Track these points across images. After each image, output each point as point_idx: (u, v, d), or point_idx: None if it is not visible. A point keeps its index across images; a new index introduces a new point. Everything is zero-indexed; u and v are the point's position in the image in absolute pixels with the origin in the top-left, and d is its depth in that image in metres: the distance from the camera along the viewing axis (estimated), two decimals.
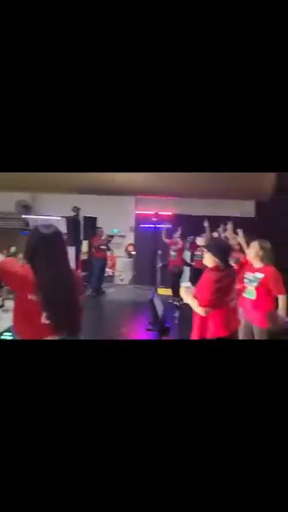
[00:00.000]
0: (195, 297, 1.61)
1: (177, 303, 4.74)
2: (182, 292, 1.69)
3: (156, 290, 4.79)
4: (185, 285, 1.72)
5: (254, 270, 2.11)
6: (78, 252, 5.49)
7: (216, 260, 1.60)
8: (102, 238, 5.15)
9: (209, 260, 1.64)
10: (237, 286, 1.87)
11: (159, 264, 5.37)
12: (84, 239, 5.48)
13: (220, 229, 3.50)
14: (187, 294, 1.64)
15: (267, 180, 4.78)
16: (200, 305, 1.55)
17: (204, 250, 1.71)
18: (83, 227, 5.45)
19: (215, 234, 4.09)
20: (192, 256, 4.75)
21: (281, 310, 1.95)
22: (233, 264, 1.78)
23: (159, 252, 5.64)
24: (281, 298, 1.97)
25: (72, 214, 5.29)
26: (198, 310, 1.57)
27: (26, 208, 6.48)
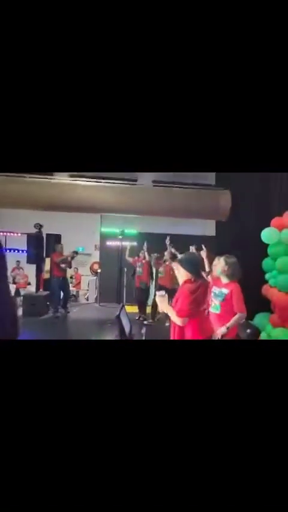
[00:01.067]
0: (172, 307, 1.67)
1: (144, 321, 4.72)
2: (158, 300, 1.74)
3: (122, 307, 4.71)
4: (159, 293, 1.74)
5: (220, 285, 2.21)
6: (40, 270, 5.25)
7: (188, 273, 1.69)
8: (64, 254, 4.98)
9: (181, 274, 1.72)
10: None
11: (130, 274, 5.28)
12: (47, 257, 5.27)
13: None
14: (162, 302, 1.70)
15: (224, 200, 5.16)
16: (178, 316, 1.62)
17: (177, 264, 1.77)
18: (46, 244, 5.27)
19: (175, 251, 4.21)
20: (157, 273, 4.82)
21: (229, 323, 2.04)
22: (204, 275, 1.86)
23: (125, 269, 5.63)
24: (238, 315, 2.08)
25: (34, 231, 5.09)
26: (176, 320, 1.64)
27: None
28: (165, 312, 1.75)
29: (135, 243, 5.61)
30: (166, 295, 1.72)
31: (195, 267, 1.71)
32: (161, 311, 1.87)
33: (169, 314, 1.70)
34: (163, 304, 1.69)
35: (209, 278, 2.24)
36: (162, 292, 1.73)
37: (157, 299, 1.74)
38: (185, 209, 5.26)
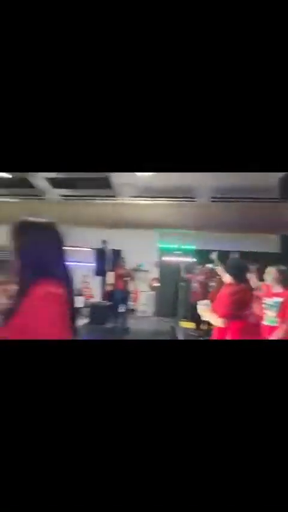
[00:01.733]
0: (213, 311, 1.71)
1: (191, 332, 4.62)
2: (200, 310, 1.77)
3: (177, 322, 4.74)
4: (202, 303, 1.79)
5: (273, 295, 2.10)
6: (104, 282, 5.72)
7: (231, 277, 1.75)
8: (127, 268, 5.28)
9: (226, 278, 1.80)
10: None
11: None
12: (111, 270, 5.71)
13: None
14: (205, 310, 1.74)
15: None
16: (219, 316, 1.65)
17: (222, 270, 1.84)
18: (110, 259, 5.73)
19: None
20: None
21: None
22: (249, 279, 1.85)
23: (182, 284, 5.68)
24: None
25: (101, 246, 5.63)
26: (218, 322, 1.67)
27: None
28: (207, 319, 1.79)
29: (192, 259, 5.66)
30: (209, 305, 1.76)
31: (238, 271, 1.76)
32: (204, 319, 1.91)
33: (210, 320, 1.73)
34: (206, 313, 1.73)
35: (260, 290, 2.19)
36: (206, 302, 1.78)
37: (199, 308, 1.76)
38: (246, 224, 5.12)
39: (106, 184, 5.40)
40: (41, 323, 0.75)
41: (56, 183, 5.56)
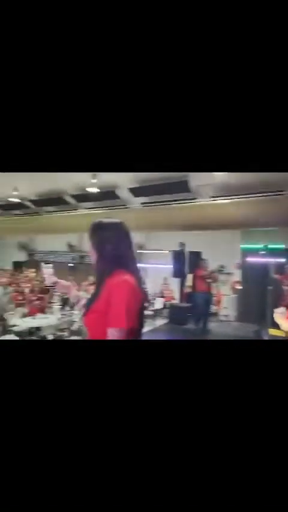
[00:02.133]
0: None
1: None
2: (276, 318, 1.65)
3: (266, 329, 4.30)
4: (279, 310, 1.64)
5: None
6: (182, 284, 5.75)
7: None
8: (208, 269, 5.14)
9: None
10: None
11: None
12: (190, 273, 5.70)
13: None
14: (282, 318, 1.60)
15: None
16: None
17: None
18: (188, 261, 5.74)
19: None
20: None
21: None
22: None
23: (270, 287, 5.16)
24: None
25: (178, 249, 5.72)
26: None
27: (140, 248, 7.45)
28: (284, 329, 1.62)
29: (282, 259, 5.09)
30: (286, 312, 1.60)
31: None
32: (284, 329, 1.73)
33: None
34: (283, 321, 1.59)
35: None
36: (282, 309, 1.61)
37: (275, 316, 1.62)
38: None
39: (185, 188, 5.49)
40: (114, 307, 0.84)
41: (136, 192, 5.99)
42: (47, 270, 1.15)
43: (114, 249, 0.93)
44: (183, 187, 5.42)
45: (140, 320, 0.91)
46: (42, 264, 1.17)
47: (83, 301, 1.06)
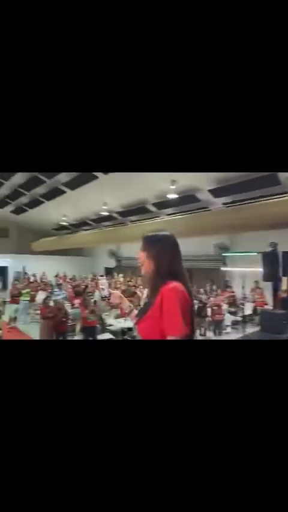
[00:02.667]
0: None
1: None
2: None
3: None
4: None
5: None
6: (276, 288, 5.09)
7: None
8: None
9: None
10: None
11: None
12: (284, 275, 5.03)
13: None
14: None
15: None
16: None
17: None
18: (282, 263, 5.07)
19: None
20: None
21: None
22: None
23: None
24: None
25: (269, 249, 5.11)
26: None
27: (224, 249, 7.04)
28: None
29: None
30: None
31: None
32: None
33: None
34: None
35: None
36: None
37: None
38: None
39: (274, 181, 4.93)
40: (169, 313, 0.88)
41: (217, 193, 5.73)
42: (103, 282, 1.22)
43: (170, 264, 0.97)
44: (272, 180, 4.87)
45: (192, 325, 0.94)
46: (98, 277, 1.27)
47: (135, 312, 1.12)
